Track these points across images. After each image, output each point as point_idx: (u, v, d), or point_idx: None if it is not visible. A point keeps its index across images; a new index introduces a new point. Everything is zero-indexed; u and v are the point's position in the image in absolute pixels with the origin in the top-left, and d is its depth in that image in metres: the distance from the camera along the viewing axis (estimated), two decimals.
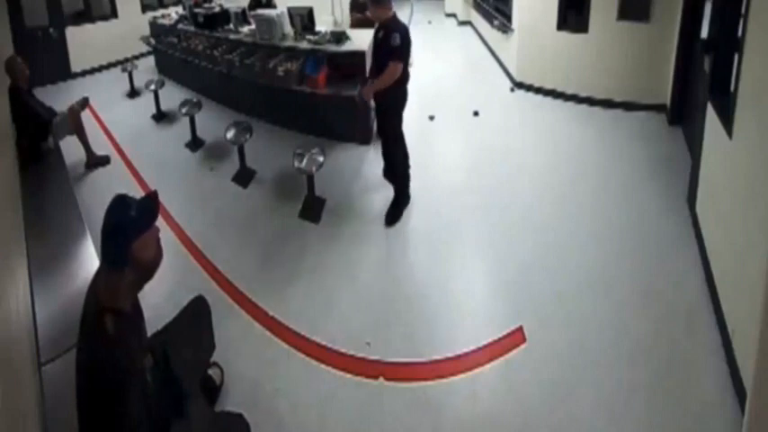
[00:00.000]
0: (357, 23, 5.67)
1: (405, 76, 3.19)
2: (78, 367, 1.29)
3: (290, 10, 4.91)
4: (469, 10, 9.31)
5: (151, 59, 7.40)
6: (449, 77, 6.49)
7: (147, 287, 2.64)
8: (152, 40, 6.97)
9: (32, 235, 2.74)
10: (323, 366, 2.25)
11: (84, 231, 2.73)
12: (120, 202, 1.33)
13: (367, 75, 3.61)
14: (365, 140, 4.50)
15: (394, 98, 3.25)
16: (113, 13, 8.03)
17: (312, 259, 3.01)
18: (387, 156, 3.50)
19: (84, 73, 7.64)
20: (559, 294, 2.61)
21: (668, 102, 4.58)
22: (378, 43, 3.22)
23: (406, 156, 3.46)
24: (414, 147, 4.45)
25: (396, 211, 3.38)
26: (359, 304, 2.64)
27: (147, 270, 1.35)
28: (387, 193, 3.51)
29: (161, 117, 5.54)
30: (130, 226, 1.29)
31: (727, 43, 2.82)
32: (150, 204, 1.35)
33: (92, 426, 1.26)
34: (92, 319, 1.28)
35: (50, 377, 1.81)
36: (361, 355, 2.31)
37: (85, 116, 4.57)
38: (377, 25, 3.33)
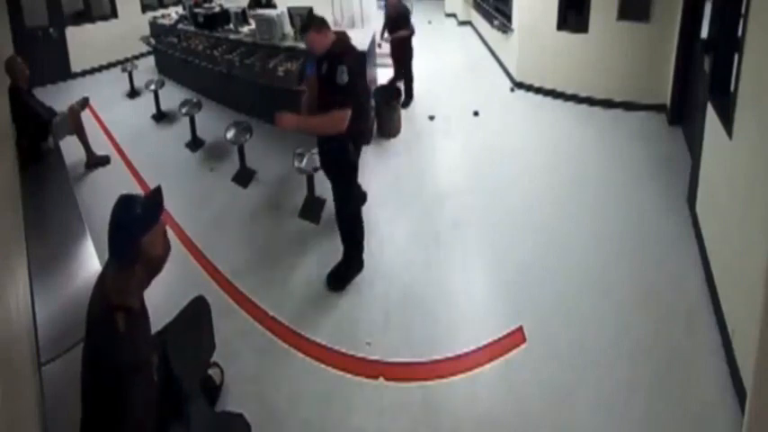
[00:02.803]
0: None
1: (358, 124, 2.48)
2: (84, 364, 1.29)
3: (290, 10, 4.91)
4: (469, 10, 9.31)
5: (151, 59, 7.40)
6: (449, 77, 6.49)
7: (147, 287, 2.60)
8: (152, 40, 6.97)
9: (32, 235, 2.74)
10: (323, 366, 2.25)
11: (84, 231, 2.73)
12: (126, 201, 1.34)
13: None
14: (365, 140, 4.49)
15: (343, 152, 2.54)
16: (113, 13, 8.03)
17: (312, 259, 3.01)
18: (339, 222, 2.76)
19: (84, 73, 7.64)
20: (559, 294, 2.61)
21: (668, 102, 4.58)
22: (322, 77, 2.48)
23: (359, 217, 2.78)
24: (414, 147, 4.49)
25: (343, 275, 2.76)
26: (359, 304, 2.64)
27: (156, 265, 1.36)
28: (386, 193, 3.51)
29: (161, 117, 5.54)
30: (138, 223, 1.30)
31: (727, 43, 2.82)
32: (155, 199, 1.36)
33: (95, 424, 1.26)
34: (100, 318, 1.28)
35: (50, 377, 1.81)
36: (361, 355, 2.31)
37: (85, 116, 4.57)
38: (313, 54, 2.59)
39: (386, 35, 5.48)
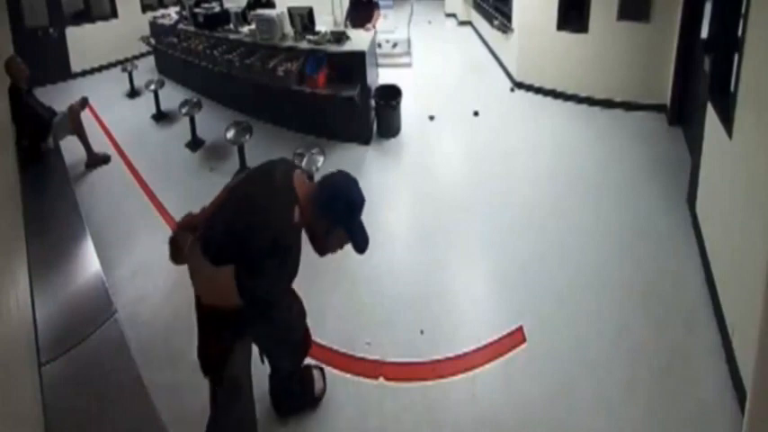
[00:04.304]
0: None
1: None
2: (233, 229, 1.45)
3: (290, 10, 4.91)
4: (469, 10, 9.30)
5: (151, 59, 7.40)
6: (449, 77, 6.49)
7: (148, 287, 2.63)
8: (152, 40, 6.96)
9: (32, 235, 2.74)
10: (323, 366, 2.25)
11: (84, 231, 2.73)
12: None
13: None
14: (365, 140, 4.50)
15: None
16: (113, 13, 8.02)
17: (311, 259, 3.00)
18: None
19: (84, 73, 7.64)
20: (559, 294, 2.61)
21: (668, 102, 4.58)
22: None
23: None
24: (414, 147, 4.49)
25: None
26: (359, 304, 2.64)
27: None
28: (386, 193, 3.49)
29: (161, 117, 5.54)
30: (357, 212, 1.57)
31: (727, 43, 2.82)
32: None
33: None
34: (282, 196, 1.47)
35: (50, 377, 1.81)
36: (361, 355, 2.31)
37: (85, 116, 4.57)
38: None
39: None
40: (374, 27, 5.54)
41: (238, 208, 1.50)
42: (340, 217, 1.54)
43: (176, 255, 1.58)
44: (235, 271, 1.39)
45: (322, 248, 1.65)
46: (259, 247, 1.39)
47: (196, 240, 1.51)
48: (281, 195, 1.48)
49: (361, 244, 1.58)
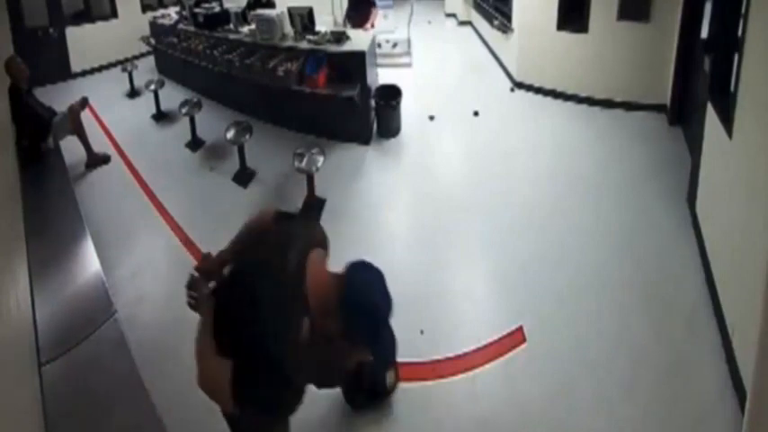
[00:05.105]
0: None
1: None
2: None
3: (290, 10, 4.91)
4: (469, 10, 9.30)
5: (151, 59, 7.40)
6: (449, 77, 6.49)
7: (148, 287, 2.63)
8: (152, 40, 6.97)
9: (32, 235, 2.73)
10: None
11: (84, 231, 2.72)
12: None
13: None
14: (365, 140, 4.50)
15: None
16: (113, 13, 8.01)
17: None
18: None
19: (84, 73, 7.64)
20: (559, 294, 2.61)
21: (668, 102, 4.58)
22: None
23: None
24: (414, 147, 4.49)
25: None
26: None
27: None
28: (386, 193, 3.49)
29: (161, 117, 5.54)
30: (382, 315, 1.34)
31: (727, 43, 2.82)
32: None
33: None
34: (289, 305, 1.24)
35: (50, 377, 1.81)
36: None
37: (85, 116, 4.57)
38: None
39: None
40: (372, 26, 5.56)
41: (241, 305, 1.26)
42: (364, 333, 1.32)
43: (194, 303, 1.36)
44: (233, 369, 1.17)
45: (340, 367, 1.49)
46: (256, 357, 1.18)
47: (212, 296, 1.34)
48: (287, 304, 1.23)
49: (385, 360, 1.29)
